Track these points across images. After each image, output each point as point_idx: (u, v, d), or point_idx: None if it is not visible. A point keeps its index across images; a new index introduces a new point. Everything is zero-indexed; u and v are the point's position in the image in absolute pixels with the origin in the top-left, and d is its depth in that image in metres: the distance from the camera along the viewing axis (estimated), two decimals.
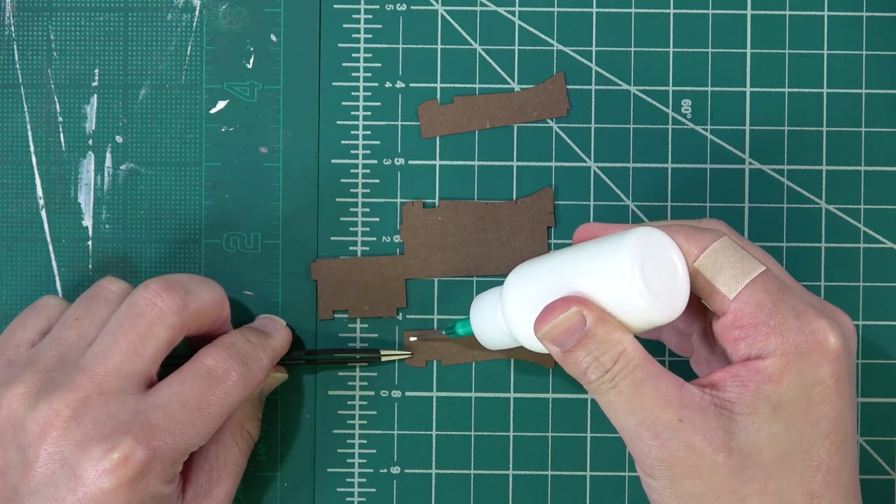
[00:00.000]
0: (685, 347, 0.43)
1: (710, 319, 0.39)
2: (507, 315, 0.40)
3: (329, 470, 0.46)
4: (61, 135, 0.46)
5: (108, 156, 0.46)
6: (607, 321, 0.37)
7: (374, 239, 0.47)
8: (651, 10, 0.47)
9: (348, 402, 0.46)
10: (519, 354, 0.46)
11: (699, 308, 0.40)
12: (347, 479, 0.46)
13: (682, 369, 0.41)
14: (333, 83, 0.47)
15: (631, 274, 0.36)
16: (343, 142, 0.47)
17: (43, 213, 0.46)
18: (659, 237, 0.37)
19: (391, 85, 0.47)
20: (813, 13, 0.47)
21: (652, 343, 0.44)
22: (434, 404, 0.46)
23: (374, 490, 0.46)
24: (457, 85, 0.47)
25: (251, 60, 0.47)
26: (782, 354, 0.36)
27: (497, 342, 0.42)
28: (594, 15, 0.47)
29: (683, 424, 0.36)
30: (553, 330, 0.37)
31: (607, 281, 0.37)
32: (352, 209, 0.47)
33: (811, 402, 0.36)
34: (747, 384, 0.36)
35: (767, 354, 0.36)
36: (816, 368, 0.36)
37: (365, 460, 0.46)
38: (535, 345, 0.39)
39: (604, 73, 0.47)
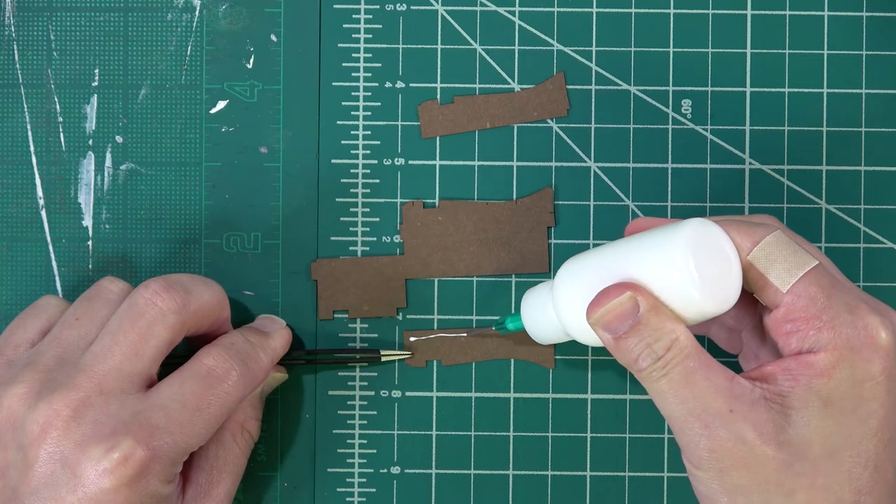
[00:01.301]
0: (734, 344, 0.43)
1: (761, 314, 0.39)
2: (558, 306, 0.40)
3: (329, 470, 0.46)
4: (61, 135, 0.46)
5: (108, 156, 0.46)
6: (660, 309, 0.37)
7: (374, 239, 0.47)
8: (651, 10, 0.47)
9: (348, 402, 0.46)
10: (520, 354, 0.46)
11: (749, 303, 0.40)
12: (347, 479, 0.46)
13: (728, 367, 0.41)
14: (333, 83, 0.47)
15: (685, 264, 0.36)
16: (343, 142, 0.47)
17: (43, 213, 0.46)
18: (712, 229, 0.37)
19: (391, 85, 0.47)
20: (813, 13, 0.47)
21: (699, 340, 0.44)
22: (434, 404, 0.46)
23: (374, 490, 0.46)
24: (457, 85, 0.47)
25: (251, 60, 0.47)
26: (834, 349, 0.36)
27: (549, 336, 0.42)
28: (594, 15, 0.47)
29: (734, 415, 0.36)
30: (606, 315, 0.37)
31: (661, 271, 0.37)
32: (352, 209, 0.47)
33: (861, 398, 0.36)
34: (798, 378, 0.36)
35: (819, 349, 0.36)
36: (867, 364, 0.36)
37: (365, 460, 0.46)
38: (587, 337, 0.39)
39: (604, 73, 0.47)
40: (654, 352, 0.37)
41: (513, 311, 0.46)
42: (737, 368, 0.42)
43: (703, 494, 0.37)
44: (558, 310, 0.40)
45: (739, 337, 0.42)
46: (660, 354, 0.37)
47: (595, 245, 0.46)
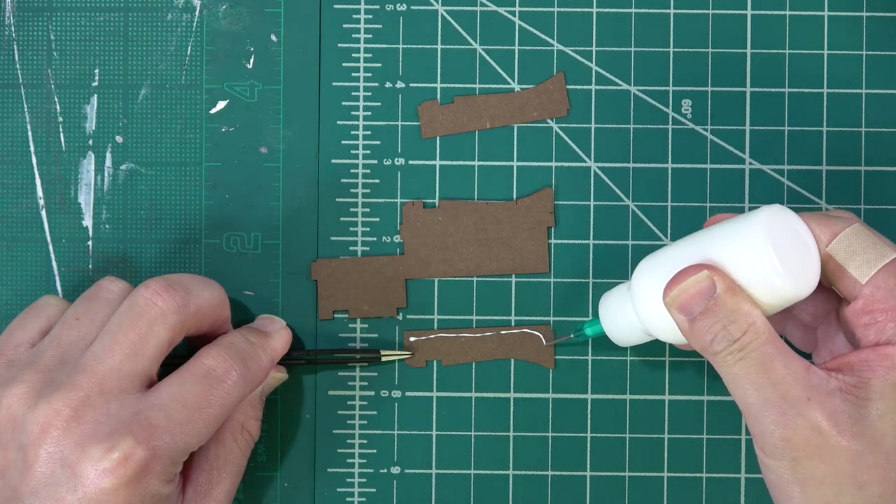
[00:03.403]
0: (809, 342, 0.43)
1: (836, 308, 0.39)
2: (636, 299, 0.40)
3: (329, 470, 0.46)
4: (61, 135, 0.46)
5: (108, 156, 0.46)
6: (737, 291, 0.37)
7: (374, 239, 0.47)
8: (651, 10, 0.47)
9: (348, 402, 0.46)
10: (520, 354, 0.46)
11: (827, 299, 0.40)
12: (347, 479, 0.46)
13: None
14: (333, 83, 0.47)
15: (764, 248, 0.36)
16: (343, 142, 0.47)
17: (43, 213, 0.46)
18: (789, 215, 0.37)
19: (391, 85, 0.47)
20: (813, 13, 0.47)
21: None
22: (434, 404, 0.46)
23: (374, 490, 0.46)
24: (457, 85, 0.47)
25: (251, 60, 0.47)
26: None
27: (628, 337, 0.42)
28: (594, 15, 0.47)
29: (811, 403, 0.36)
30: (682, 294, 0.37)
31: (739, 255, 0.37)
32: (352, 209, 0.47)
33: None
34: (875, 369, 0.36)
35: None
36: None
37: (365, 460, 0.46)
38: (665, 330, 0.39)
39: (604, 73, 0.47)
40: (729, 334, 0.36)
41: (512, 308, 0.46)
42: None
43: (773, 484, 0.37)
44: (636, 302, 0.40)
45: (815, 334, 0.42)
46: (736, 337, 0.36)
47: (595, 245, 0.46)
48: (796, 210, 0.39)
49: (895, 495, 0.36)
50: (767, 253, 0.36)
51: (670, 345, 0.44)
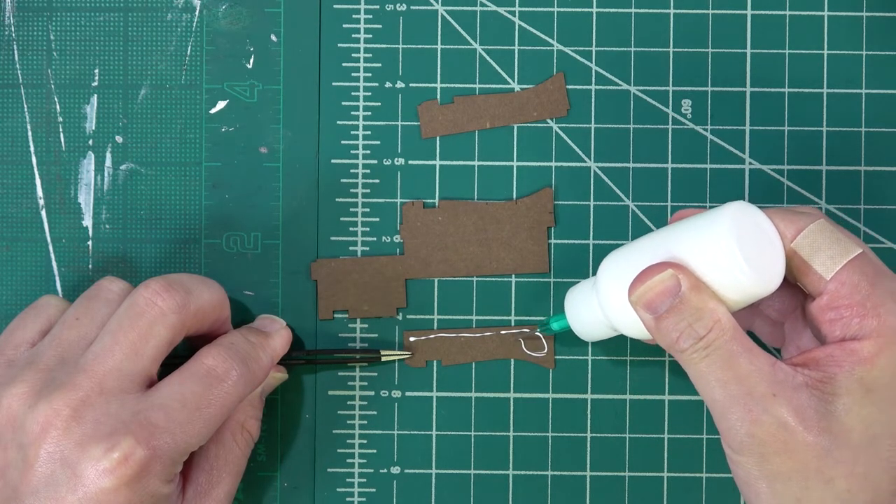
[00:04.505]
0: (777, 337, 0.43)
1: (803, 304, 0.39)
2: (601, 295, 0.40)
3: (329, 470, 0.46)
4: (61, 135, 0.46)
5: (108, 156, 0.46)
6: (702, 289, 0.37)
7: (374, 239, 0.47)
8: (651, 10, 0.47)
9: (348, 402, 0.46)
10: (520, 355, 0.46)
11: (793, 294, 0.40)
12: (347, 479, 0.46)
13: None
14: (333, 83, 0.47)
15: (728, 245, 0.36)
16: (343, 142, 0.47)
17: (43, 213, 0.46)
18: (755, 212, 0.37)
19: (391, 85, 0.47)
20: (813, 13, 0.47)
21: None
22: (434, 404, 0.46)
23: (374, 490, 0.46)
24: (457, 85, 0.47)
25: (251, 60, 0.47)
26: (878, 336, 0.36)
27: (594, 332, 0.42)
28: (594, 15, 0.47)
29: (777, 399, 0.36)
30: (647, 293, 0.37)
31: (704, 252, 0.37)
32: (352, 209, 0.47)
33: None
34: (841, 364, 0.36)
35: (863, 336, 0.36)
36: None
37: (365, 460, 0.46)
38: (631, 327, 0.39)
39: (604, 73, 0.47)
40: (695, 332, 0.36)
41: (512, 308, 0.46)
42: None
43: (742, 480, 0.37)
44: (601, 299, 0.40)
45: (782, 330, 0.42)
46: (701, 334, 0.36)
47: (595, 245, 0.46)
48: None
49: (862, 489, 0.36)
50: (732, 250, 0.36)
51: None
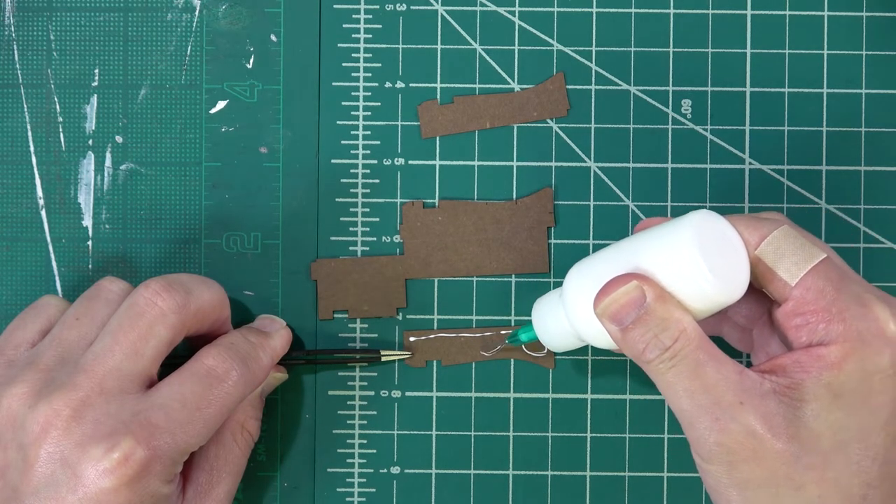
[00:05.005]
0: (746, 343, 0.43)
1: (770, 310, 0.39)
2: (567, 306, 0.40)
3: (329, 470, 0.46)
4: (61, 135, 0.46)
5: (108, 156, 0.46)
6: (667, 299, 0.37)
7: (374, 239, 0.47)
8: (651, 10, 0.47)
9: (348, 402, 0.46)
10: (521, 355, 0.46)
11: (760, 300, 0.40)
12: (347, 479, 0.46)
13: None
14: (333, 83, 0.47)
15: (692, 255, 0.36)
16: (343, 142, 0.47)
17: (43, 213, 0.46)
18: (718, 220, 0.37)
19: (391, 85, 0.47)
20: (813, 13, 0.47)
21: (712, 340, 0.44)
22: (434, 404, 0.46)
23: (374, 490, 0.46)
24: (457, 85, 0.47)
25: (251, 60, 0.47)
26: (844, 341, 0.36)
27: (562, 343, 0.42)
28: (594, 15, 0.47)
29: (744, 407, 0.35)
30: (612, 305, 0.37)
31: (668, 262, 0.37)
32: (352, 209, 0.47)
33: (871, 391, 0.36)
34: (808, 370, 0.36)
35: (829, 341, 0.36)
36: (878, 357, 0.36)
37: (365, 460, 0.46)
38: (598, 337, 0.39)
39: (604, 73, 0.47)
40: (661, 342, 0.36)
41: (512, 308, 0.46)
42: (747, 366, 0.42)
43: (712, 488, 0.37)
44: (568, 310, 0.40)
45: (751, 335, 0.42)
46: (667, 345, 0.36)
47: (595, 245, 0.46)
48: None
49: (833, 495, 0.36)
50: (696, 260, 0.36)
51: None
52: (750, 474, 0.36)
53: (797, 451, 0.35)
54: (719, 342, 0.44)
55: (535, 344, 0.44)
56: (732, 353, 0.42)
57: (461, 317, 0.46)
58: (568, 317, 0.40)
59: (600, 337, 0.39)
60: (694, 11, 0.47)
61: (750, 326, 0.42)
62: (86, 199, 0.46)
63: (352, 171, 0.47)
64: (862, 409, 0.36)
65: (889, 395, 0.36)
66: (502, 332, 0.46)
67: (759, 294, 0.39)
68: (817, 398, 0.35)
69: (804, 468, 0.35)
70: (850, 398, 0.36)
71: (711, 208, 0.46)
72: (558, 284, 0.46)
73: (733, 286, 0.37)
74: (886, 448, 0.36)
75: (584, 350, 0.46)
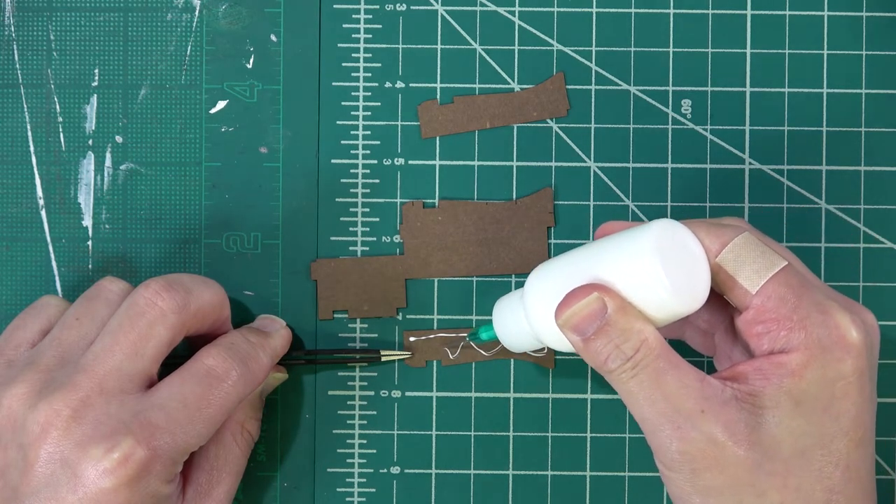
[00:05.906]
0: (708, 347, 0.43)
1: (732, 316, 0.39)
2: (528, 312, 0.40)
3: (329, 470, 0.46)
4: (61, 135, 0.46)
5: (108, 156, 0.46)
6: (628, 310, 0.37)
7: (374, 239, 0.47)
8: (651, 10, 0.47)
9: (348, 402, 0.46)
10: (521, 355, 0.46)
11: (722, 306, 0.40)
12: (347, 479, 0.46)
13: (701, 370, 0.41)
14: (333, 83, 0.47)
15: (652, 264, 0.36)
16: (343, 142, 0.47)
17: (43, 213, 0.46)
18: (679, 229, 0.37)
19: (391, 85, 0.47)
20: (813, 13, 0.47)
21: (674, 343, 0.44)
22: (434, 404, 0.46)
23: (374, 490, 0.46)
24: (457, 85, 0.47)
25: (251, 60, 0.47)
26: (805, 349, 0.36)
27: (521, 344, 0.42)
28: (594, 15, 0.47)
29: (705, 415, 0.36)
30: (574, 316, 0.37)
31: (629, 272, 0.37)
32: (352, 209, 0.47)
33: (833, 398, 0.36)
34: (769, 377, 0.36)
35: (790, 349, 0.36)
36: (839, 364, 0.36)
37: (365, 460, 0.46)
38: (558, 342, 0.39)
39: (604, 73, 0.47)
40: (622, 353, 0.36)
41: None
42: (711, 370, 0.42)
43: (676, 496, 0.37)
44: (529, 316, 0.40)
45: (713, 340, 0.42)
46: (629, 355, 0.36)
47: None
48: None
49: (796, 501, 0.36)
50: (656, 270, 0.36)
51: None
52: (712, 482, 0.36)
53: (759, 459, 0.35)
54: (682, 345, 0.44)
55: (493, 343, 0.44)
56: (695, 356, 0.42)
57: (461, 317, 0.46)
58: (529, 321, 0.40)
59: (561, 342, 0.39)
60: (694, 11, 0.47)
61: (712, 331, 0.42)
62: (86, 199, 0.46)
63: (352, 171, 0.47)
64: (823, 415, 0.36)
65: (851, 401, 0.36)
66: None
67: (721, 300, 0.39)
68: (778, 405, 0.36)
69: (766, 475, 0.36)
70: (812, 405, 0.36)
71: (711, 208, 0.46)
72: None
73: (693, 296, 0.37)
74: (849, 453, 0.36)
75: None
